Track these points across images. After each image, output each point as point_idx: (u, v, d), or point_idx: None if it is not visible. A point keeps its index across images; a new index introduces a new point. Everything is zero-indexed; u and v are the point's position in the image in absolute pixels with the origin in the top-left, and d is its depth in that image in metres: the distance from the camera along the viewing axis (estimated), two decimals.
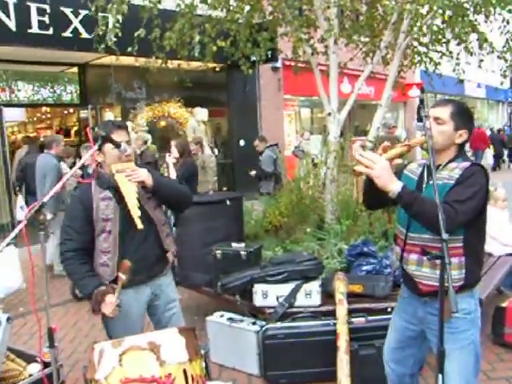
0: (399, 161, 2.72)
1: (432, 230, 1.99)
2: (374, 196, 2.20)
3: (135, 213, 2.45)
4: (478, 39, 6.18)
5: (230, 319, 3.76)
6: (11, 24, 7.51)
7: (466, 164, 2.12)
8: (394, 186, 1.96)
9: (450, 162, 2.16)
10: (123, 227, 2.53)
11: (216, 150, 11.05)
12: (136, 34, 5.33)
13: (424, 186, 2.20)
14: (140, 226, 2.44)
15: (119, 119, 9.56)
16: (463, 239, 2.10)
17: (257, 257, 4.19)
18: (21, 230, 2.18)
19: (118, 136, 2.51)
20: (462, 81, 6.79)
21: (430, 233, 2.06)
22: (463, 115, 2.18)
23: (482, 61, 6.44)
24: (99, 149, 2.52)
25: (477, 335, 2.20)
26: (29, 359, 3.12)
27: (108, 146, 2.50)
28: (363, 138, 7.25)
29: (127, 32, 5.39)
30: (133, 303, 2.63)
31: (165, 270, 2.80)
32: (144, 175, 2.51)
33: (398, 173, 2.27)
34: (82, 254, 2.53)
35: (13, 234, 2.18)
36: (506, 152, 19.92)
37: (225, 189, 9.44)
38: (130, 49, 5.46)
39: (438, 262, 2.05)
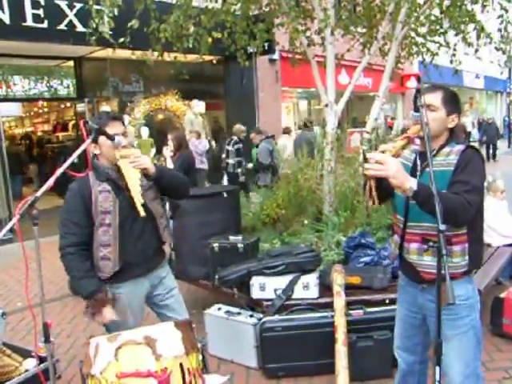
0: None
1: (449, 224, 1.91)
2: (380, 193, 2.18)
3: (138, 200, 2.44)
4: (475, 28, 6.14)
5: (228, 312, 3.75)
6: (5, 17, 7.41)
7: (461, 147, 2.11)
8: (410, 184, 1.91)
9: (442, 147, 2.16)
10: (122, 220, 2.52)
11: (214, 143, 11.03)
12: (129, 25, 5.26)
13: (418, 173, 2.17)
14: (143, 213, 2.45)
15: (116, 112, 9.50)
16: (467, 226, 2.08)
17: (254, 249, 4.18)
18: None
19: (112, 128, 2.49)
20: (457, 71, 6.75)
21: (429, 221, 2.04)
22: (453, 100, 2.20)
23: (477, 50, 6.40)
24: (95, 141, 2.50)
25: (477, 319, 2.19)
26: (25, 354, 3.12)
27: (103, 138, 2.48)
28: (361, 130, 7.22)
29: (122, 25, 5.32)
30: (130, 297, 2.62)
31: (163, 262, 2.80)
32: (147, 163, 2.51)
33: None
34: (83, 248, 2.50)
35: (4, 231, 2.15)
36: None
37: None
38: (122, 39, 5.39)
39: None
